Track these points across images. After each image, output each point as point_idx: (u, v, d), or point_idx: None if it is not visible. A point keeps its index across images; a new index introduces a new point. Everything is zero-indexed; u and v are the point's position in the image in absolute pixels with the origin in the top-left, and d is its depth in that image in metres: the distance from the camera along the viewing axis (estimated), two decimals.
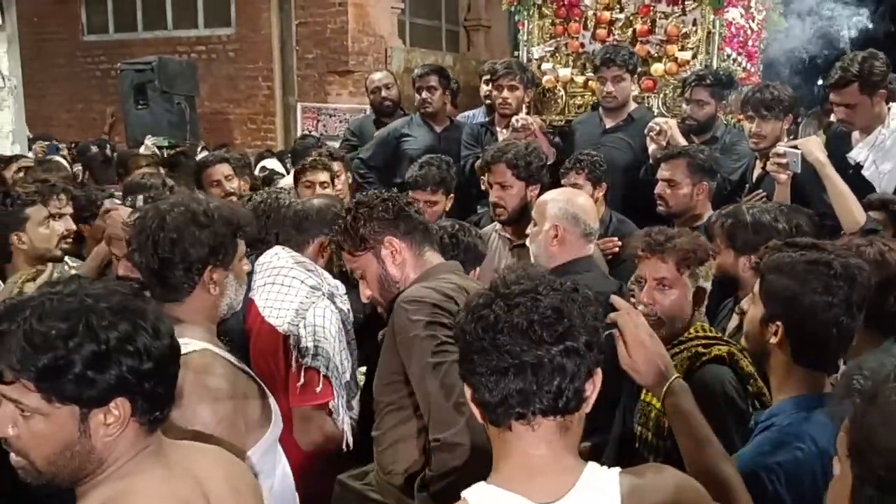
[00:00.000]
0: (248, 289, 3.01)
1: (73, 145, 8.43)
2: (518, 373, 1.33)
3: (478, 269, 3.12)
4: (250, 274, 3.03)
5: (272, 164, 7.03)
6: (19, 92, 7.26)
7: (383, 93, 5.48)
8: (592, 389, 1.40)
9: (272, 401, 2.11)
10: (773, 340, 1.89)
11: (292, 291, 2.75)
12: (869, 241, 2.35)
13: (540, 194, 3.61)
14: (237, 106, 10.40)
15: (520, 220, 3.59)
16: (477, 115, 5.44)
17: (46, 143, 7.74)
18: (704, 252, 2.43)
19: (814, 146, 3.38)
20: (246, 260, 2.20)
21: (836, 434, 1.18)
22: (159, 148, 7.17)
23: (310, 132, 8.57)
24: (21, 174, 4.63)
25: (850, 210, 3.12)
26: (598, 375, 1.41)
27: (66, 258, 3.31)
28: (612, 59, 4.39)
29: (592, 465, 1.40)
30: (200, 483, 1.45)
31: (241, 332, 2.90)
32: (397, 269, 2.30)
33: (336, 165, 4.67)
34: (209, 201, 2.11)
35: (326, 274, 2.84)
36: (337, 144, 5.63)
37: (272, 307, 2.78)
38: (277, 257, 2.81)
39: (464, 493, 1.38)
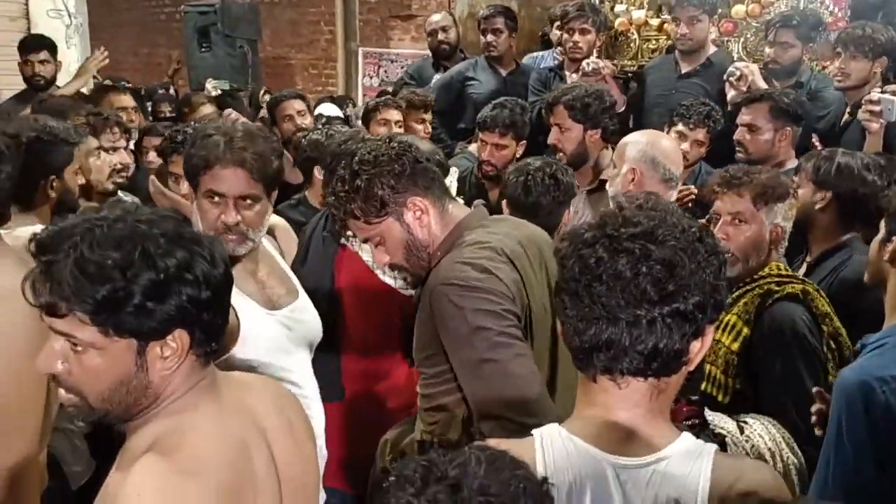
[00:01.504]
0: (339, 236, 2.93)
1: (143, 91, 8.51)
2: (609, 325, 1.16)
3: (571, 209, 3.00)
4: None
5: (329, 109, 6.98)
6: (84, 30, 7.29)
7: (440, 35, 5.35)
8: (700, 349, 1.22)
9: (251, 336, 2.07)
10: (886, 256, 1.82)
11: None
12: None
13: (604, 140, 3.49)
14: (298, 51, 10.30)
15: (580, 163, 3.47)
16: (546, 58, 5.22)
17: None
18: (784, 189, 2.33)
19: None
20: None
21: None
22: (221, 91, 7.16)
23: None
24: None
25: None
26: (709, 334, 1.23)
27: (120, 193, 3.27)
28: None
29: (687, 436, 1.25)
30: (255, 417, 1.39)
31: (329, 279, 2.80)
32: (424, 231, 1.98)
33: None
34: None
35: None
36: None
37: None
38: None
39: (535, 431, 1.26)
